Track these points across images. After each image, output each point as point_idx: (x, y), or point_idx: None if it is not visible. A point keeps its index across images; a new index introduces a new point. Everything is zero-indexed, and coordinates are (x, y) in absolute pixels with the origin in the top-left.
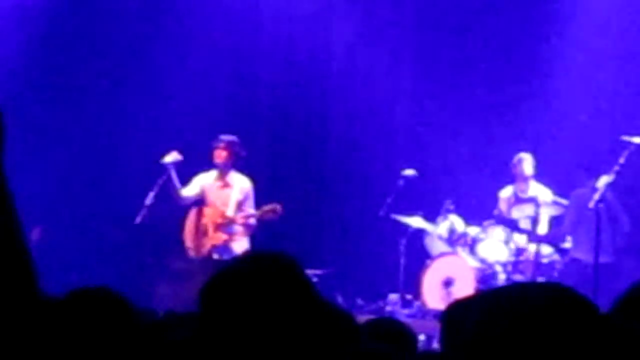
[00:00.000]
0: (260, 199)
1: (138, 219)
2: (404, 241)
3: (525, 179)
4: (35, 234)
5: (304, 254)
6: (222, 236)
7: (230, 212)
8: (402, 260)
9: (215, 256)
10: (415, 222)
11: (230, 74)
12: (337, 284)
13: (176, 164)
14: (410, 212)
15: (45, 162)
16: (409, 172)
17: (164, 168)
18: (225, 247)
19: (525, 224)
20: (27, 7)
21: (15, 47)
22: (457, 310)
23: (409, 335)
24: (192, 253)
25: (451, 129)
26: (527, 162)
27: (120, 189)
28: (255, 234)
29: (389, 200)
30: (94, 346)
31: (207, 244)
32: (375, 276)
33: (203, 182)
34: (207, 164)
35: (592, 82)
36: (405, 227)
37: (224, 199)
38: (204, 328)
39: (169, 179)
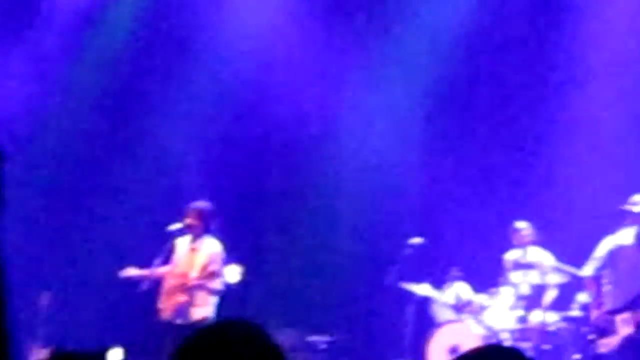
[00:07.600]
0: (267, 262)
1: (144, 286)
2: (411, 309)
3: (522, 246)
4: (44, 299)
5: (312, 321)
6: (181, 298)
7: (193, 274)
8: (409, 328)
9: (178, 320)
10: (422, 289)
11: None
12: (344, 351)
13: (181, 231)
14: (417, 280)
15: (48, 226)
16: (417, 240)
17: (169, 234)
18: (183, 310)
19: (524, 289)
20: None
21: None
22: None
23: None
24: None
25: (457, 196)
26: (523, 231)
27: (126, 254)
28: (258, 299)
29: (396, 268)
30: None
31: (169, 306)
32: (382, 343)
33: (178, 247)
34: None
35: (596, 148)
36: (413, 294)
37: (190, 262)
38: None
39: (173, 247)
